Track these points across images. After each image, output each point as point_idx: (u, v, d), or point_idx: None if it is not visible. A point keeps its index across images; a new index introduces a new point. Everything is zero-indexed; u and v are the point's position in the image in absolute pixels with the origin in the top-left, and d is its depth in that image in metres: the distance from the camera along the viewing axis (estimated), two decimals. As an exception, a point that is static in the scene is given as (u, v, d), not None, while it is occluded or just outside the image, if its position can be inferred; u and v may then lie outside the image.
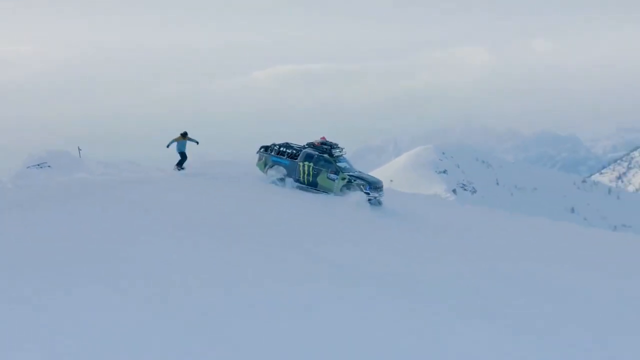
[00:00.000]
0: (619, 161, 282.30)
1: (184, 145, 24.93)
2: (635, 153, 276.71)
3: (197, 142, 25.34)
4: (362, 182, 23.15)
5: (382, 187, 23.62)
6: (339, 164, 23.66)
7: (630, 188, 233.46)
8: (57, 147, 29.65)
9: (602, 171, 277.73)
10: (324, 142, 24.60)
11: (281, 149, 24.86)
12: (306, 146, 24.51)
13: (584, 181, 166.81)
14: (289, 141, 25.46)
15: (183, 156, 25.12)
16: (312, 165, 23.60)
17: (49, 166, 26.99)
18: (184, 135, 24.66)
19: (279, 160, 24.53)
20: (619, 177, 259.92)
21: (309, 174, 23.59)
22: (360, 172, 24.46)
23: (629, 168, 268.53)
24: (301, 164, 23.66)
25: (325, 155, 23.87)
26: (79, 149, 30.18)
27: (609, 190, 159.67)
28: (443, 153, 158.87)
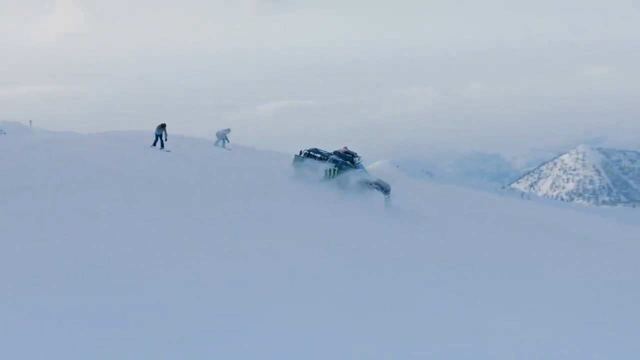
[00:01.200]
0: (531, 173, 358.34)
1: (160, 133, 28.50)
2: (543, 167, 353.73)
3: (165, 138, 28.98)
4: (376, 186, 25.49)
5: (389, 189, 25.47)
6: (358, 169, 26.71)
7: (540, 193, 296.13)
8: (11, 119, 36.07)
9: (519, 180, 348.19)
10: (347, 151, 27.66)
11: (310, 152, 28.32)
12: (333, 153, 27.78)
13: (503, 187, 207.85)
14: (318, 147, 28.54)
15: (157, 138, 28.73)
16: (336, 168, 26.77)
17: (4, 133, 32.12)
18: (163, 126, 28.40)
19: (311, 161, 27.86)
20: (531, 185, 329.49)
21: (333, 174, 26.69)
22: (376, 177, 26.76)
23: (538, 178, 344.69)
24: (329, 165, 27.00)
25: (348, 162, 26.97)
26: (30, 122, 36.48)
27: (522, 194, 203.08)
28: (397, 166, 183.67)
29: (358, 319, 9.38)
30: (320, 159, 27.89)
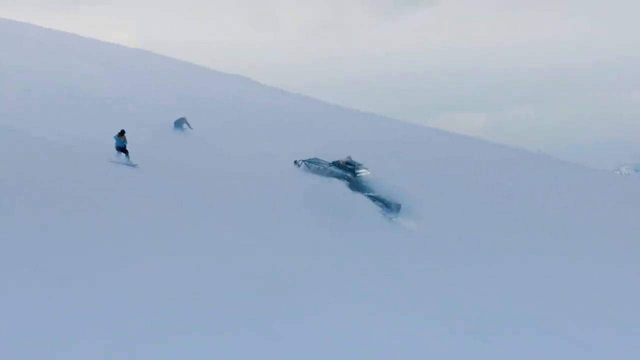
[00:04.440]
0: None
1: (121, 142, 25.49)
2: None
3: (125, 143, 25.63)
4: (380, 203, 26.04)
5: (398, 209, 26.01)
6: (360, 183, 27.14)
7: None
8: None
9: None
10: (348, 162, 28.31)
11: (309, 162, 29.17)
12: (332, 164, 28.52)
13: None
14: (317, 157, 29.59)
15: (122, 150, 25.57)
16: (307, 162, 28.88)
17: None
18: (122, 133, 25.40)
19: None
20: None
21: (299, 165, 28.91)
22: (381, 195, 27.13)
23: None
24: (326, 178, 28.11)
25: (349, 175, 27.55)
26: None
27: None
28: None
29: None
30: (317, 169, 28.23)
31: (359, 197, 26.44)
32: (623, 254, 27.70)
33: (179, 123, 33.50)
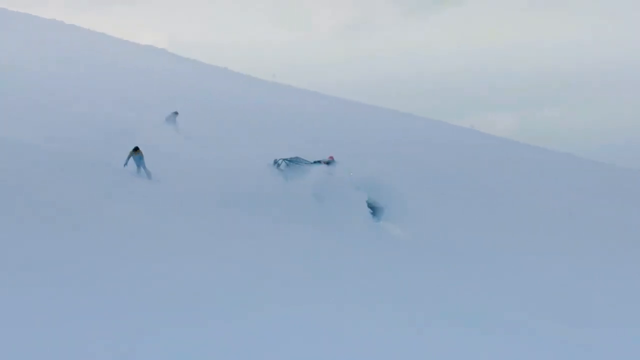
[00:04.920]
0: None
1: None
2: None
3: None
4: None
5: (380, 211, 25.80)
6: None
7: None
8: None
9: None
10: (329, 162, 27.89)
11: (290, 160, 28.48)
12: (313, 163, 27.91)
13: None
14: (299, 156, 28.81)
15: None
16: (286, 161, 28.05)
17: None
18: (136, 149, 24.47)
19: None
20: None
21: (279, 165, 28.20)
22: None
23: None
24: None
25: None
26: None
27: None
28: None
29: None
30: (299, 169, 27.79)
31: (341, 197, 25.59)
32: (624, 254, 27.11)
33: (171, 118, 33.20)
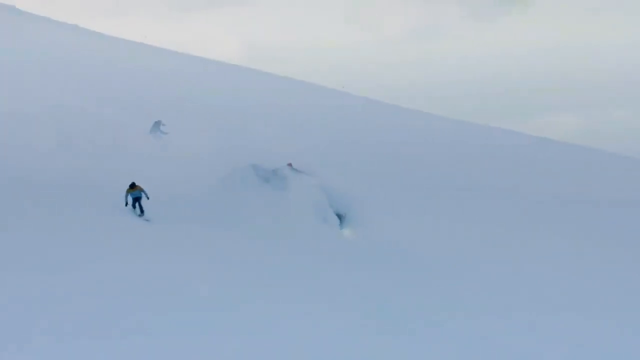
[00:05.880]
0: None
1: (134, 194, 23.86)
2: None
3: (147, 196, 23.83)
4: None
5: (341, 218, 26.45)
6: None
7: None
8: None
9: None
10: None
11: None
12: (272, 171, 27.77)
13: None
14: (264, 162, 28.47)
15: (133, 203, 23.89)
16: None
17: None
18: (133, 186, 23.69)
19: None
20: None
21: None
22: None
23: None
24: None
25: None
26: None
27: None
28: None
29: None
30: None
31: (296, 205, 26.28)
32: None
33: (155, 127, 33.59)
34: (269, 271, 20.17)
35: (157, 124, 33.90)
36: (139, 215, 23.46)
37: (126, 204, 23.47)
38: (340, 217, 26.04)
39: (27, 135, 29.30)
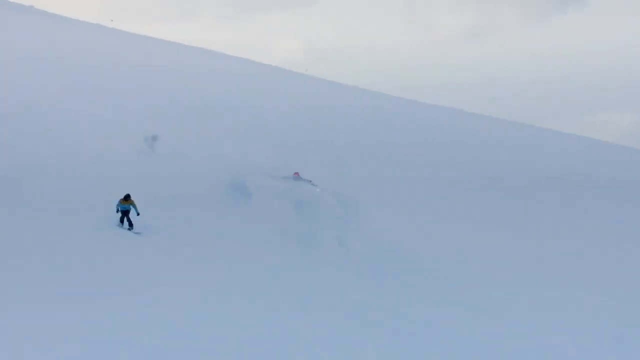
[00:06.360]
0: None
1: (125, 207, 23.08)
2: None
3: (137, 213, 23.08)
4: None
5: None
6: None
7: None
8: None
9: None
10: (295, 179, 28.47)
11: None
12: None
13: None
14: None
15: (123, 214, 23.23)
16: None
17: None
18: (126, 198, 23.15)
19: None
20: None
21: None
22: None
23: None
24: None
25: None
26: None
27: None
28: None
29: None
30: None
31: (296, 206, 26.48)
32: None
33: (153, 140, 32.57)
34: (269, 271, 20.55)
35: (154, 137, 32.95)
36: (128, 229, 22.88)
37: (117, 211, 23.09)
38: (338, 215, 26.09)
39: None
